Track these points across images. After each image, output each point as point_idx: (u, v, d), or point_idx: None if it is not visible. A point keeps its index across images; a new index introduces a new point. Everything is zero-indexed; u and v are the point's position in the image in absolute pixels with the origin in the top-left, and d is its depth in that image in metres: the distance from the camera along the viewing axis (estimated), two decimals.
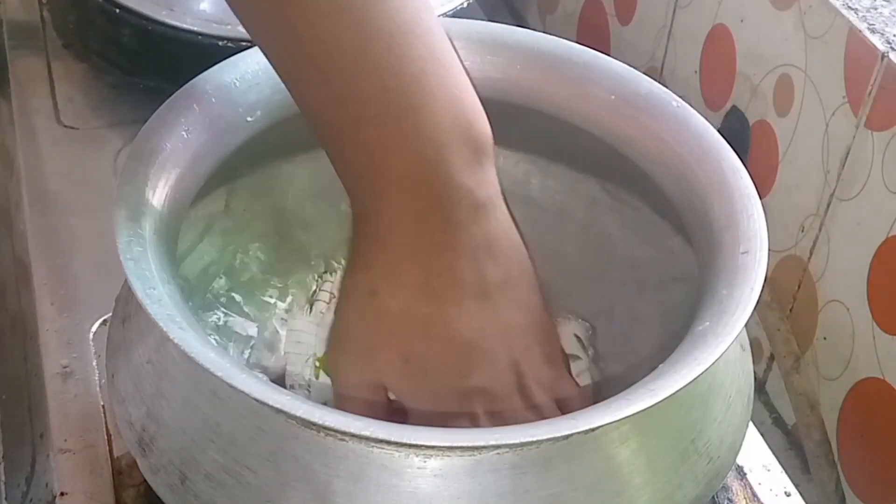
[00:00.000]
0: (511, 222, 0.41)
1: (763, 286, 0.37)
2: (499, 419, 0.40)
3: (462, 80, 0.39)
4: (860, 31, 0.50)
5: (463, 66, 0.40)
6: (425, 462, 0.34)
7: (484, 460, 0.34)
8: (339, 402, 0.42)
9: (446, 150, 0.38)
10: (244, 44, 0.43)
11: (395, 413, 0.45)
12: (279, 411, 0.33)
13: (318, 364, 0.47)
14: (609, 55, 0.46)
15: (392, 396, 0.41)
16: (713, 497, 0.46)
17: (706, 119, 0.44)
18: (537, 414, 0.41)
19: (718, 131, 0.43)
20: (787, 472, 0.50)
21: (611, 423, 0.34)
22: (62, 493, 0.46)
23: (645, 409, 0.33)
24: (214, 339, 0.44)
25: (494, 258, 0.40)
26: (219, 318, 0.46)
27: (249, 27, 0.39)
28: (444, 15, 0.65)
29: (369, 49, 0.37)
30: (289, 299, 0.49)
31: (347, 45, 0.37)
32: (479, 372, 0.40)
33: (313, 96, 0.38)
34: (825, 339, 0.54)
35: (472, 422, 0.40)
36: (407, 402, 0.40)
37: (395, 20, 0.37)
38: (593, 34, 0.75)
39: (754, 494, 0.48)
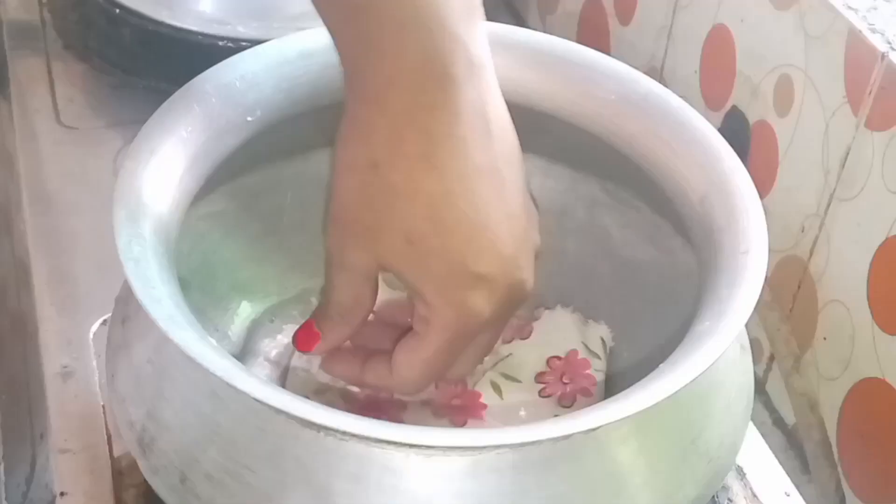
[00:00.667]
0: (501, 93, 0.39)
1: (763, 286, 0.37)
2: (499, 320, 0.39)
3: None
4: (860, 31, 0.50)
5: None
6: (425, 462, 0.34)
7: (484, 460, 0.34)
8: (334, 278, 0.40)
9: None
10: (244, 44, 0.43)
11: (386, 405, 0.45)
12: (279, 411, 0.33)
13: None
14: (609, 55, 0.46)
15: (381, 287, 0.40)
16: (713, 497, 0.46)
17: (706, 119, 0.44)
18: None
19: (718, 131, 0.43)
20: (787, 472, 0.50)
21: (611, 423, 0.34)
22: (62, 493, 0.46)
23: (645, 409, 0.33)
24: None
25: (492, 127, 0.38)
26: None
27: None
28: None
29: None
30: (287, 298, 0.49)
31: None
32: (485, 260, 0.38)
33: None
34: (825, 339, 0.54)
35: (477, 317, 0.38)
36: (409, 284, 0.38)
37: None
38: (593, 34, 0.75)
39: (754, 494, 0.48)
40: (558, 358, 0.47)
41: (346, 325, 0.41)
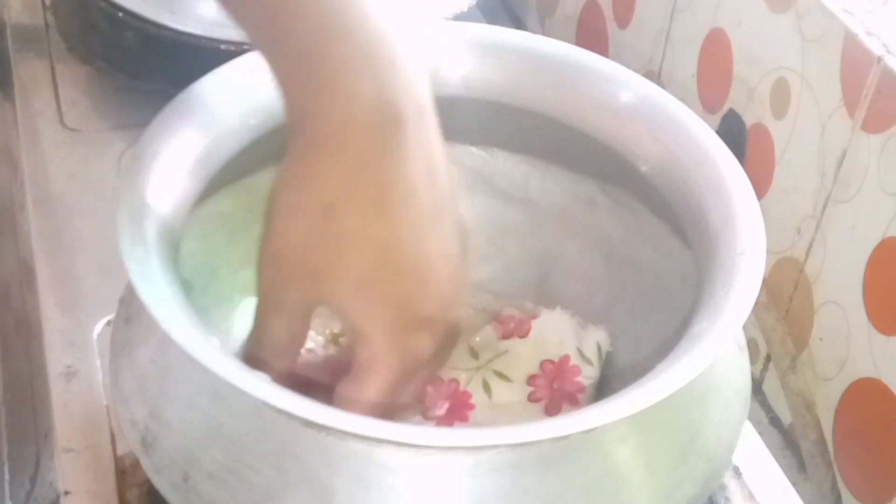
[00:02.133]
0: (439, 130, 0.39)
1: (760, 287, 0.38)
2: (439, 357, 0.39)
3: None
4: (856, 34, 0.50)
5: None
6: (425, 461, 0.34)
7: (484, 460, 0.34)
8: (268, 319, 0.39)
9: (390, 38, 0.36)
10: (246, 47, 0.43)
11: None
12: (281, 411, 0.33)
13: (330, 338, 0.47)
14: (608, 58, 0.47)
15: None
16: (710, 496, 0.46)
17: (703, 121, 0.44)
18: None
19: (716, 134, 0.44)
20: (783, 471, 0.50)
21: (609, 423, 0.34)
22: (66, 492, 0.46)
23: (643, 410, 0.34)
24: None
25: (436, 169, 0.38)
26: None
27: None
28: (446, 19, 0.65)
29: None
30: None
31: None
32: (430, 303, 0.38)
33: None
34: (821, 339, 0.54)
35: (420, 359, 0.38)
36: (354, 327, 0.38)
37: None
38: (592, 37, 0.75)
39: (751, 493, 0.48)
40: (551, 362, 0.47)
41: (282, 363, 0.40)
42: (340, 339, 0.48)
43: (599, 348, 0.47)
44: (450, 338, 0.40)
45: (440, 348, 0.39)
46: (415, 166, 0.37)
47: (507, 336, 0.48)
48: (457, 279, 0.39)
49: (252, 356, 0.40)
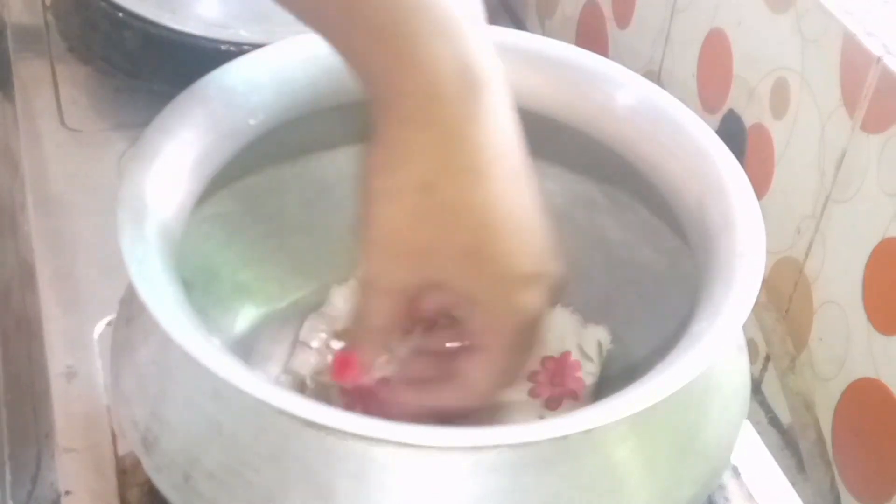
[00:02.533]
0: None
1: (759, 287, 0.38)
2: (546, 309, 0.39)
3: None
4: (856, 34, 0.50)
5: None
6: (425, 462, 0.34)
7: (484, 460, 0.34)
8: (373, 304, 0.39)
9: (458, 9, 0.36)
10: (246, 47, 0.43)
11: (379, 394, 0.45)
12: (281, 411, 0.33)
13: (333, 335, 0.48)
14: (607, 58, 0.47)
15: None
16: (709, 496, 0.46)
17: (703, 122, 0.44)
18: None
19: (715, 134, 0.44)
20: (782, 471, 0.50)
21: (609, 423, 0.34)
22: (67, 492, 0.46)
23: (643, 410, 0.34)
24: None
25: (516, 130, 0.38)
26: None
27: None
28: None
29: None
30: (289, 299, 0.49)
31: None
32: (532, 258, 0.38)
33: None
34: (821, 339, 0.54)
35: (534, 314, 0.38)
36: (467, 296, 0.38)
37: None
38: (592, 38, 0.75)
39: (750, 493, 0.48)
40: (552, 358, 0.47)
41: (384, 347, 0.41)
42: (344, 336, 0.48)
43: (600, 346, 0.48)
44: (553, 292, 0.40)
45: (547, 303, 0.39)
46: (498, 128, 0.37)
47: None
48: (546, 232, 0.39)
49: (358, 341, 0.40)
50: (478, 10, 0.38)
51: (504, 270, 0.38)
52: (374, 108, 0.37)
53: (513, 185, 0.38)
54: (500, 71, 0.37)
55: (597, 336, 0.48)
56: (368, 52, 0.36)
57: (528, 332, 0.39)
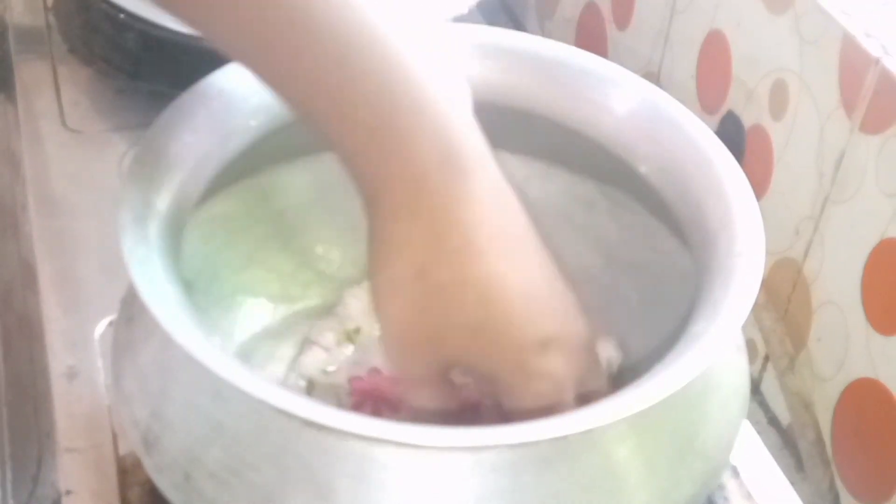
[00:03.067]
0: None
1: (758, 288, 0.38)
2: (575, 370, 0.39)
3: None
4: (855, 35, 0.50)
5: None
6: (425, 462, 0.34)
7: (484, 460, 0.34)
8: (415, 393, 0.40)
9: (445, 99, 0.37)
10: None
11: (386, 394, 0.46)
12: (281, 411, 0.33)
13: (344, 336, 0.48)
14: (607, 59, 0.47)
15: (460, 378, 0.40)
16: (709, 495, 0.47)
17: (702, 123, 0.44)
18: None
19: (714, 135, 0.44)
20: (781, 470, 0.50)
21: (608, 423, 0.34)
22: (68, 492, 0.46)
23: (642, 410, 0.34)
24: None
25: (512, 202, 0.39)
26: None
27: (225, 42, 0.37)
28: (446, 21, 0.66)
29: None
30: (290, 299, 0.49)
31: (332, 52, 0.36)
32: (546, 321, 0.38)
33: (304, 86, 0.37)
34: (819, 340, 0.54)
35: (558, 379, 0.38)
36: (485, 374, 0.39)
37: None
38: (591, 39, 0.75)
39: (749, 493, 0.48)
40: None
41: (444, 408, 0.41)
42: (354, 337, 0.48)
43: (609, 364, 0.47)
44: (582, 351, 0.40)
45: (576, 363, 0.40)
46: (489, 205, 0.38)
47: None
48: (562, 294, 0.40)
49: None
50: (463, 91, 0.38)
51: (513, 341, 0.38)
52: (365, 202, 0.38)
53: (513, 257, 0.38)
54: (484, 149, 0.38)
55: (605, 353, 0.48)
56: (358, 149, 0.37)
57: (561, 393, 0.39)
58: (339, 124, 0.37)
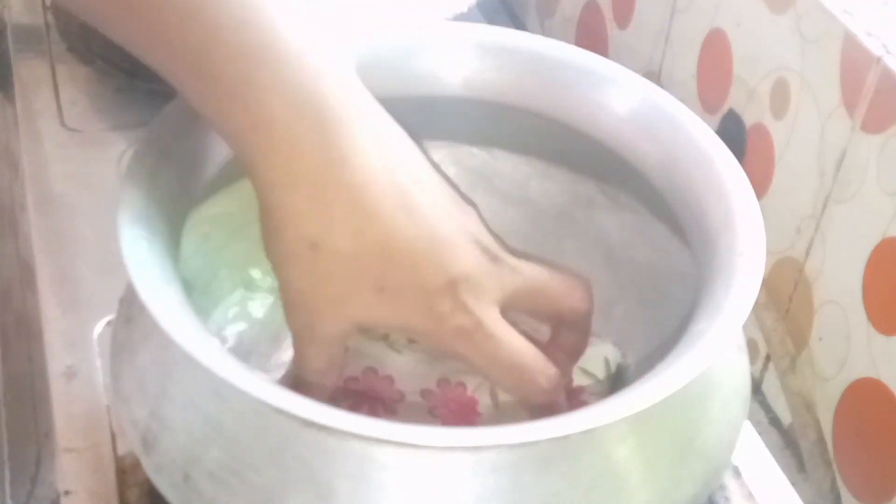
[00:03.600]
0: (379, 108, 0.39)
1: (759, 287, 0.38)
2: (479, 301, 0.38)
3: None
4: (856, 34, 0.50)
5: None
6: (425, 461, 0.34)
7: (484, 460, 0.34)
8: (305, 352, 0.39)
9: (313, 56, 0.37)
10: None
11: (382, 397, 0.45)
12: (280, 411, 0.33)
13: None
14: (607, 59, 0.47)
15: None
16: (710, 496, 0.46)
17: (703, 122, 0.44)
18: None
19: (715, 134, 0.44)
20: (783, 470, 0.50)
21: (609, 423, 0.34)
22: (66, 492, 0.46)
23: (643, 410, 0.34)
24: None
25: (396, 148, 0.38)
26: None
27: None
28: (446, 19, 0.65)
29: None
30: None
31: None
32: (453, 260, 0.38)
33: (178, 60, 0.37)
34: (821, 339, 0.54)
35: (477, 314, 0.38)
36: (398, 328, 0.39)
37: None
38: (591, 38, 0.75)
39: (750, 493, 0.48)
40: None
41: (325, 384, 0.41)
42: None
43: (608, 362, 0.47)
44: (496, 277, 0.39)
45: (493, 292, 0.39)
46: (373, 157, 0.37)
47: None
48: (464, 229, 0.39)
49: (297, 381, 0.41)
50: (341, 53, 0.38)
51: (419, 292, 0.38)
52: (248, 173, 0.38)
53: (407, 207, 0.38)
54: (361, 102, 0.37)
55: (603, 353, 0.48)
56: (223, 110, 0.36)
57: (477, 331, 0.39)
58: (201, 85, 0.36)
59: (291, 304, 0.39)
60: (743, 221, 0.40)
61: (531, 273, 0.41)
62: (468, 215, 0.41)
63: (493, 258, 0.40)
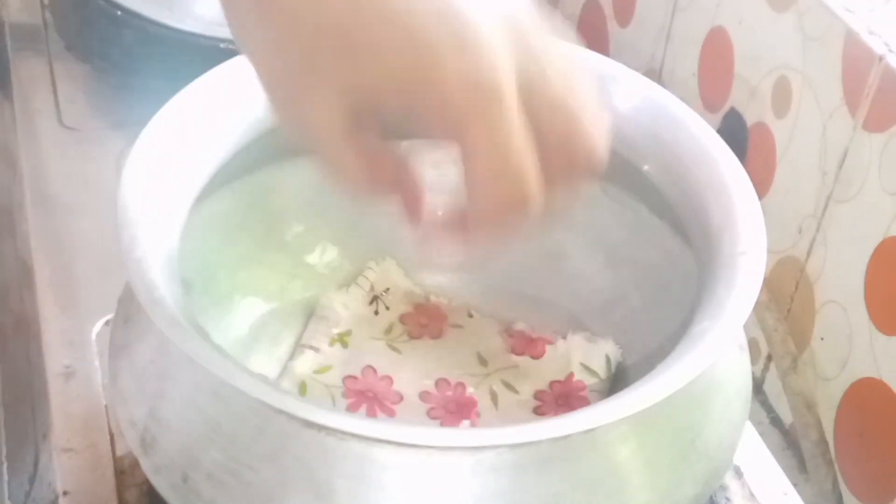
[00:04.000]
0: None
1: (761, 287, 0.38)
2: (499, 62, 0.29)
3: None
4: (858, 33, 0.50)
5: None
6: (425, 461, 0.34)
7: (484, 460, 0.34)
8: (337, 171, 0.32)
9: None
10: None
11: (381, 396, 0.45)
12: (279, 411, 0.33)
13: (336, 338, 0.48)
14: (608, 57, 0.46)
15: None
16: (711, 496, 0.46)
17: (705, 120, 0.44)
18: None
19: (717, 133, 0.44)
20: (784, 471, 0.50)
21: (610, 423, 0.34)
22: (65, 493, 0.46)
23: (644, 409, 0.34)
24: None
25: None
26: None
27: None
28: None
29: None
30: (289, 299, 0.49)
31: None
32: (461, 22, 0.29)
33: None
34: (822, 339, 0.54)
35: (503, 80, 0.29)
36: (391, 97, 0.30)
37: None
38: (592, 36, 0.75)
39: (752, 493, 0.48)
40: (559, 382, 0.47)
41: (382, 182, 0.33)
42: (346, 339, 0.48)
43: (608, 360, 0.47)
44: (527, 51, 0.30)
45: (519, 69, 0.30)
46: None
47: (518, 352, 0.48)
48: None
49: (357, 197, 0.34)
50: None
51: (415, 36, 0.29)
52: None
53: None
54: None
55: (604, 350, 0.47)
56: None
57: (508, 107, 0.30)
58: None
59: (274, 102, 0.32)
60: (744, 220, 0.40)
61: (566, 83, 0.32)
62: None
63: (526, 30, 0.31)
